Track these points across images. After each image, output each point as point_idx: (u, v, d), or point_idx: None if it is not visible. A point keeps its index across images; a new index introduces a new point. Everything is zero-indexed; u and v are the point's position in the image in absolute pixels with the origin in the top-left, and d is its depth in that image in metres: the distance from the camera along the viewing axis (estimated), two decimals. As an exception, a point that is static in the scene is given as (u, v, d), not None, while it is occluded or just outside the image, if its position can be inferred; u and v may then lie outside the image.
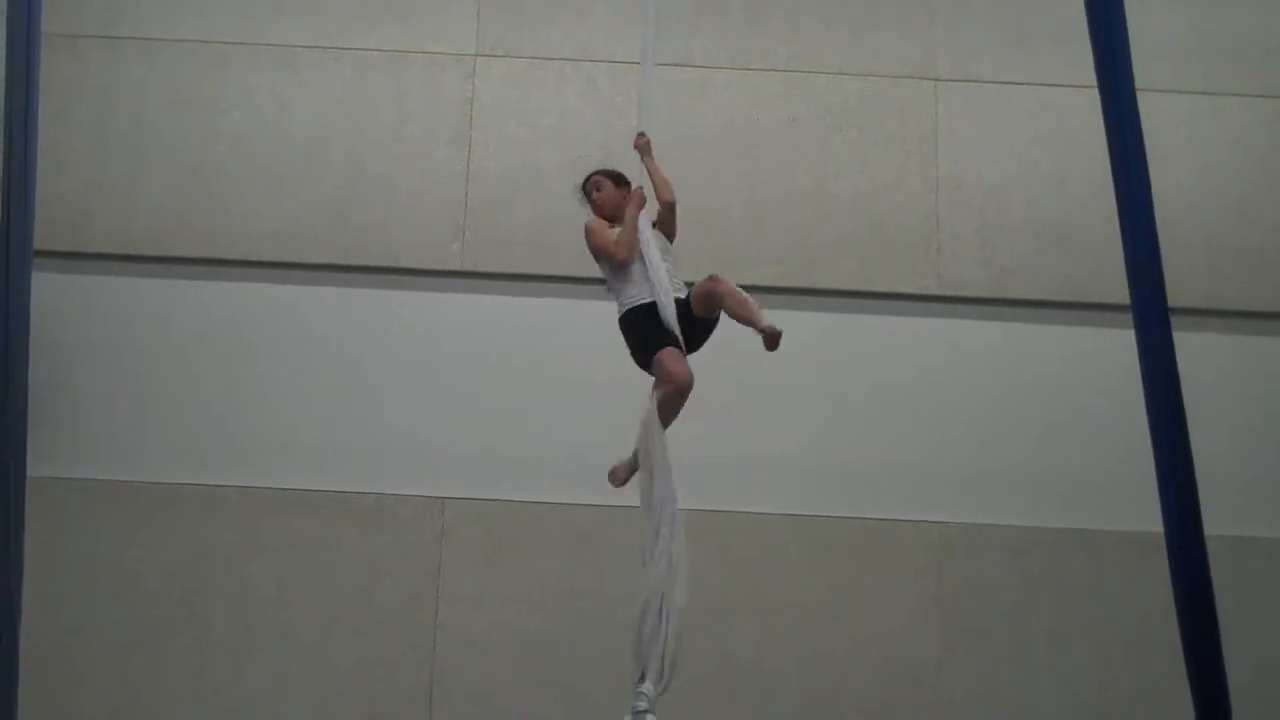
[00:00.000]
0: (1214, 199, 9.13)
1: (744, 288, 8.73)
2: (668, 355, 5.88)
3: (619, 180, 6.39)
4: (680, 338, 5.95)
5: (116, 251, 8.95)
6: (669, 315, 5.96)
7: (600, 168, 6.50)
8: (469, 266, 8.98)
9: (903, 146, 9.21)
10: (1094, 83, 5.40)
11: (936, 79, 9.30)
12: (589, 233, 6.27)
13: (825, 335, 8.92)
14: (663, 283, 6.02)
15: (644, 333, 6.00)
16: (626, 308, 6.09)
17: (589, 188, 6.42)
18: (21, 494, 5.71)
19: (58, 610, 8.39)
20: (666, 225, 6.37)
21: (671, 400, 5.86)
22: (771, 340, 5.66)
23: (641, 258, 6.11)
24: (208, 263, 8.96)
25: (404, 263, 8.98)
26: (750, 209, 8.98)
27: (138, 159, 9.08)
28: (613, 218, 6.29)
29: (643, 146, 6.37)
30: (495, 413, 8.77)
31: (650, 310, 6.00)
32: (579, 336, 8.61)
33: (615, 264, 6.13)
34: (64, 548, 8.49)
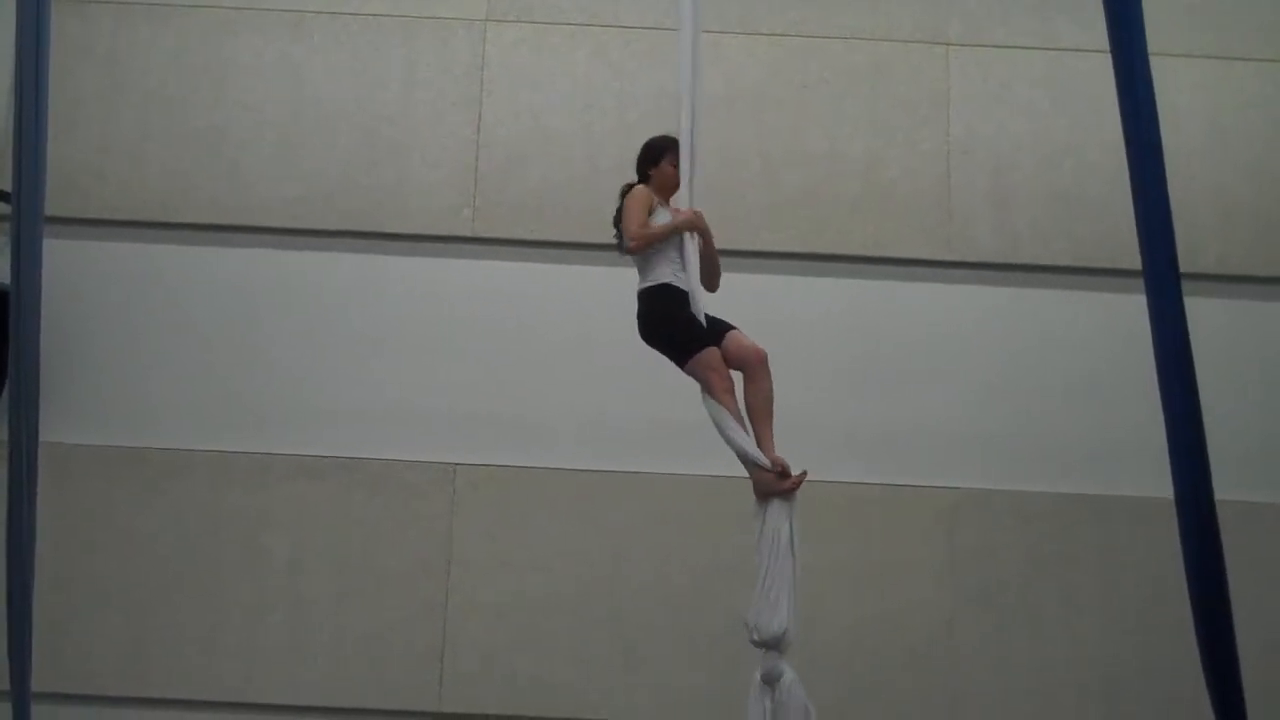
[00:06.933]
0: (1226, 163, 9.08)
1: (756, 253, 8.86)
2: (715, 358, 5.90)
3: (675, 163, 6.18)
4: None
5: (126, 217, 8.97)
6: (699, 311, 5.93)
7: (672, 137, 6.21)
8: (480, 232, 8.97)
9: (915, 111, 9.17)
10: (1106, 47, 5.35)
11: (948, 43, 9.25)
12: (633, 200, 6.10)
13: (836, 300, 8.92)
14: (695, 282, 5.96)
15: (679, 315, 5.92)
16: (660, 282, 5.98)
17: (666, 158, 6.18)
18: (34, 459, 5.75)
19: (71, 575, 8.45)
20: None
21: (768, 388, 5.99)
22: (774, 477, 6.09)
23: (681, 253, 6.00)
24: (218, 228, 8.97)
25: (414, 228, 8.98)
26: (762, 174, 8.96)
27: (147, 124, 9.08)
28: (661, 194, 6.18)
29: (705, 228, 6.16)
30: (506, 378, 8.78)
31: (681, 296, 5.95)
32: (589, 302, 8.62)
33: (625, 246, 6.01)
34: (77, 513, 8.53)
